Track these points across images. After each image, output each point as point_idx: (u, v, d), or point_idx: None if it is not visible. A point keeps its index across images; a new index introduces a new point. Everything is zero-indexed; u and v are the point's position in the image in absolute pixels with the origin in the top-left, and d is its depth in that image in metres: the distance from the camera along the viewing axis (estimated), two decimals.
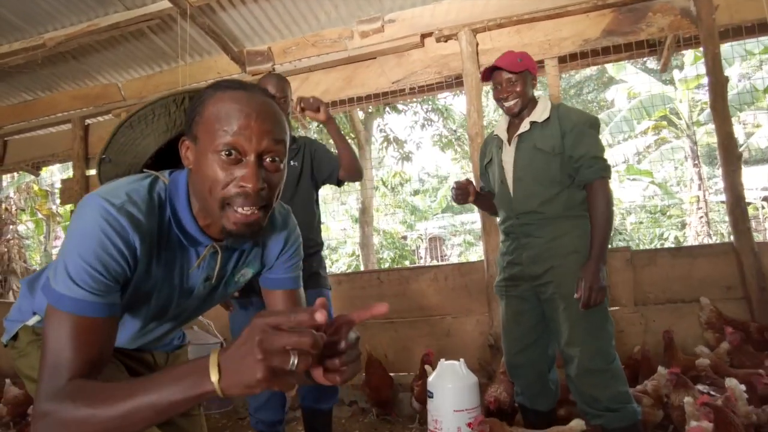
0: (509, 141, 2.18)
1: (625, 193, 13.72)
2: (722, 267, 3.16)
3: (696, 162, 10.16)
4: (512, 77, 2.08)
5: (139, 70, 4.36)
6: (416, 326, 3.62)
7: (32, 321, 1.12)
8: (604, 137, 10.03)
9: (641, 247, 12.41)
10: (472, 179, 2.67)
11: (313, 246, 2.23)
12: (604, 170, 2.02)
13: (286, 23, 3.79)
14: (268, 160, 0.86)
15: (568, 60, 3.56)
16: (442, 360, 2.27)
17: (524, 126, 2.12)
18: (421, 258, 21.39)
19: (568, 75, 18.04)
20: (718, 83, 3.20)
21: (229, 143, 0.83)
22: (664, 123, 10.80)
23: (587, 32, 3.44)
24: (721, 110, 3.19)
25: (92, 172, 4.60)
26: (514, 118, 2.17)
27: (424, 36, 3.64)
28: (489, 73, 2.14)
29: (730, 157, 3.14)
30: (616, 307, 3.25)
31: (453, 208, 23.73)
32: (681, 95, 10.25)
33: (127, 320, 1.03)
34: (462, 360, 2.25)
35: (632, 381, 2.68)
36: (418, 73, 3.71)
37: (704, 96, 11.21)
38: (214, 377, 0.66)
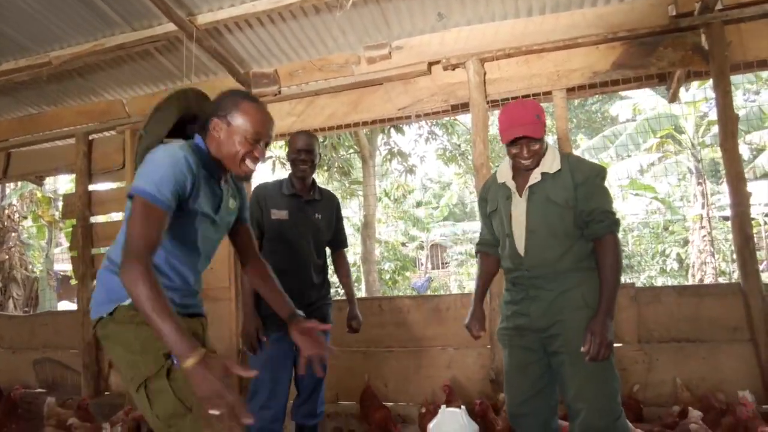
0: (519, 192, 2.13)
1: (628, 208, 13.68)
2: (729, 308, 3.12)
3: (700, 180, 10.11)
4: (536, 141, 2.01)
5: (144, 88, 4.35)
6: (417, 356, 3.58)
7: (128, 301, 1.42)
8: (609, 154, 10.01)
9: (643, 264, 12.38)
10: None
11: (327, 293, 2.63)
12: (615, 225, 1.99)
13: (293, 47, 3.77)
14: (263, 144, 1.57)
15: (576, 89, 3.52)
16: (443, 407, 2.24)
17: (535, 177, 2.07)
18: (422, 265, 21.35)
19: None
20: (729, 121, 3.16)
21: (253, 136, 1.53)
22: (669, 141, 10.75)
23: (597, 65, 3.41)
24: (731, 149, 3.15)
25: (94, 187, 4.58)
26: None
27: (431, 64, 3.61)
28: (513, 139, 2.02)
29: (740, 196, 3.11)
30: (619, 344, 3.21)
31: (455, 215, 23.71)
32: (686, 111, 10.20)
33: (188, 239, 1.54)
34: (463, 407, 2.22)
35: (633, 420, 2.65)
36: (424, 100, 3.68)
37: (710, 114, 11.17)
38: (186, 364, 1.20)
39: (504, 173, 2.20)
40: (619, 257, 1.99)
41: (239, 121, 1.52)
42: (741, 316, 3.08)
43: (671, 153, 11.33)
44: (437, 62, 3.61)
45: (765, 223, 12.64)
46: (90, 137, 4.55)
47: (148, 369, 1.39)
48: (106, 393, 4.31)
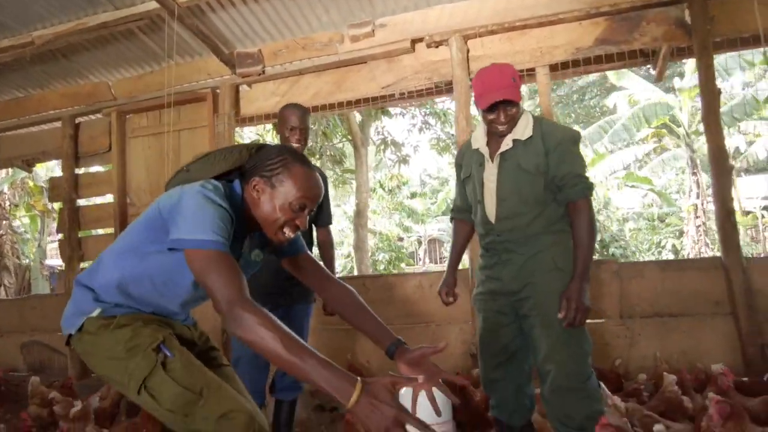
0: (491, 158, 2.12)
1: (624, 200, 13.67)
2: (711, 282, 3.12)
3: (694, 171, 10.09)
4: (513, 105, 1.99)
5: (129, 70, 4.34)
6: (401, 333, 3.49)
7: (96, 313, 1.37)
8: (603, 144, 9.99)
9: (638, 254, 12.37)
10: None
11: None
12: (588, 189, 1.97)
13: (277, 26, 3.76)
14: (307, 213, 1.39)
15: (560, 68, 3.52)
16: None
17: (507, 144, 2.04)
18: (420, 260, 21.36)
19: (572, 81, 18.03)
20: (711, 95, 3.16)
21: (299, 204, 1.36)
22: (664, 131, 10.72)
23: (580, 41, 3.40)
24: (713, 123, 3.14)
25: (81, 171, 4.58)
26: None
27: (414, 41, 3.61)
28: (494, 104, 1.97)
29: (721, 170, 3.10)
30: (602, 320, 3.21)
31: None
32: (681, 103, 10.18)
33: (182, 283, 1.39)
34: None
35: (615, 393, 2.65)
36: (408, 78, 3.68)
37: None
38: (351, 402, 1.01)
39: (478, 139, 2.18)
40: (593, 221, 1.97)
41: (287, 185, 1.35)
42: (722, 290, 3.08)
43: (666, 145, 11.31)
44: (420, 40, 3.60)
45: (763, 216, 12.64)
46: (76, 120, 4.55)
47: (141, 370, 1.30)
48: (92, 375, 4.31)
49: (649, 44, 3.34)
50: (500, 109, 1.99)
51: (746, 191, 12.62)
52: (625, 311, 3.24)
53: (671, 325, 3.15)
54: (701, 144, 10.45)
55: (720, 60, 8.16)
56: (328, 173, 8.97)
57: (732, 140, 10.68)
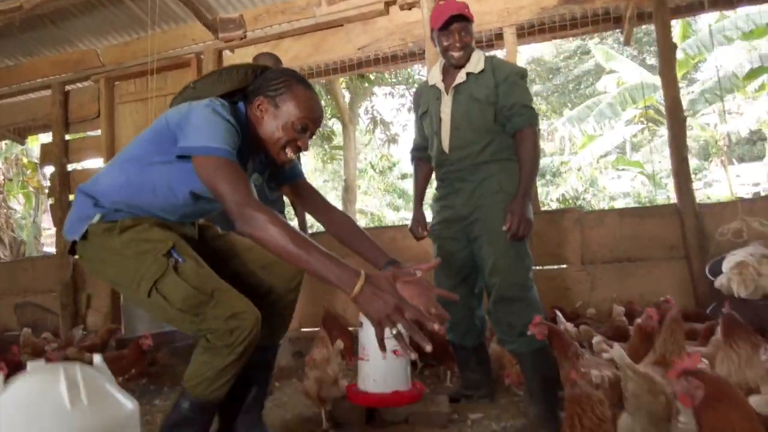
0: (447, 91, 2.27)
1: (614, 184, 13.83)
2: (667, 227, 3.27)
3: None
4: (468, 26, 2.15)
5: (117, 37, 4.48)
6: None
7: (96, 219, 1.41)
8: (590, 123, 10.12)
9: None
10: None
11: (281, 210, 2.65)
12: (534, 118, 2.13)
13: None
14: (309, 135, 1.49)
15: (526, 28, 3.66)
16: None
17: (461, 77, 2.21)
18: None
19: (567, 70, 18.13)
20: (667, 51, 3.30)
21: (301, 124, 1.44)
22: (651, 112, 10.85)
23: (545, 0, 3.54)
24: (669, 77, 3.30)
25: (71, 137, 4.72)
26: (454, 68, 2.27)
27: (388, 4, 3.74)
28: (449, 22, 2.14)
29: (676, 119, 3.25)
30: (564, 265, 3.37)
31: None
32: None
33: (180, 193, 1.45)
34: None
35: None
36: (382, 40, 3.82)
37: (688, 88, 11.25)
38: (355, 291, 1.06)
39: (435, 75, 2.34)
40: (537, 147, 2.13)
41: (289, 105, 1.42)
42: (677, 236, 3.23)
43: (654, 127, 11.44)
44: (394, 2, 3.74)
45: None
46: (66, 88, 4.69)
47: (152, 271, 1.34)
48: (84, 332, 4.48)
49: (610, 3, 3.48)
50: (455, 30, 2.13)
51: (739, 178, 12.89)
52: (586, 257, 3.40)
53: (629, 270, 3.31)
54: (696, 133, 10.56)
55: (701, 37, 8.29)
56: (317, 149, 9.12)
57: (725, 127, 10.84)
